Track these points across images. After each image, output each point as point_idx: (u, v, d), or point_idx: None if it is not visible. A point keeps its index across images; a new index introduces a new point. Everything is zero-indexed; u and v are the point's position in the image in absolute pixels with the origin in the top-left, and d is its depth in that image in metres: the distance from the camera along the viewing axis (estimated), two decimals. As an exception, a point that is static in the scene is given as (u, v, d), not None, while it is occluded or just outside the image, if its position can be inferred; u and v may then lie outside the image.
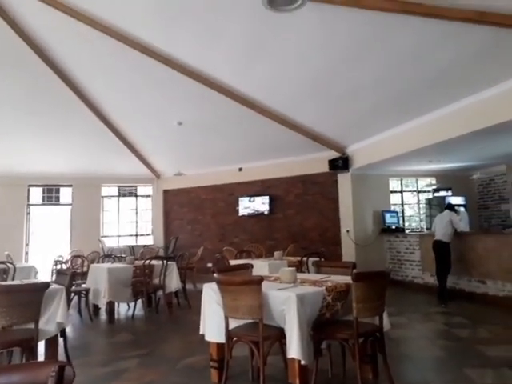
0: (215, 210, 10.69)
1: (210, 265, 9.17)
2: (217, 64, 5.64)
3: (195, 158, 9.98)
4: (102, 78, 6.48)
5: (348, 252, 8.59)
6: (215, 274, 3.02)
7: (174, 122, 7.73)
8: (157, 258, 6.52)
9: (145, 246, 10.86)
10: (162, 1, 4.33)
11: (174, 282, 6.24)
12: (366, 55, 4.90)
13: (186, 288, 6.78)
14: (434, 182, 9.94)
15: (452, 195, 9.40)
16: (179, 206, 11.35)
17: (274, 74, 5.72)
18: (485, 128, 5.50)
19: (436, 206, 9.26)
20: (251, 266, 3.88)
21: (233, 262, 5.98)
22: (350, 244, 8.59)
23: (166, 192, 11.60)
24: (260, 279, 2.77)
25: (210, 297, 3.21)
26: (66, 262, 7.83)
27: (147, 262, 5.93)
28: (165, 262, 6.14)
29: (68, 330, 4.43)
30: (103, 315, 6.01)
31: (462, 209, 8.95)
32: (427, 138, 6.56)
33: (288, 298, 2.73)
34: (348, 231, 8.66)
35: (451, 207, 7.03)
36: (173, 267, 6.31)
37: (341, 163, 8.58)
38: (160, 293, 6.20)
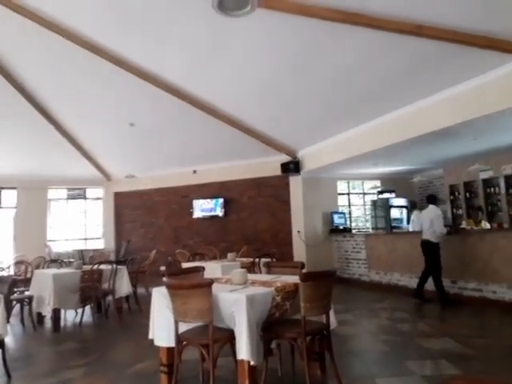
0: (169, 212, 10.55)
1: (162, 268, 9.02)
2: (169, 65, 5.60)
3: (148, 160, 9.80)
4: (48, 77, 6.21)
5: (299, 252, 8.82)
6: (164, 278, 3.00)
7: (126, 123, 7.56)
8: (106, 262, 6.34)
9: (95, 249, 10.48)
10: (111, 0, 4.24)
11: (124, 287, 6.10)
12: (315, 62, 5.08)
13: (137, 292, 6.65)
14: (378, 184, 10.45)
15: (395, 197, 9.91)
16: (131, 209, 11.08)
17: (226, 77, 5.77)
18: (423, 134, 5.91)
19: (380, 207, 9.74)
20: (203, 268, 3.88)
21: (185, 265, 5.95)
22: (301, 244, 8.83)
23: (117, 194, 11.28)
24: (210, 282, 2.80)
25: (160, 301, 3.19)
26: (7, 269, 7.40)
27: (96, 266, 5.75)
28: (115, 266, 5.99)
29: (8, 340, 4.21)
30: (48, 323, 5.75)
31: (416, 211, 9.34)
32: (371, 143, 6.92)
33: (238, 299, 2.77)
34: (299, 232, 8.88)
35: (431, 199, 6.46)
36: (123, 271, 6.17)
37: (292, 167, 8.81)
38: (110, 298, 6.04)
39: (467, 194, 9.09)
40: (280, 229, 9.27)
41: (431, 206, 6.36)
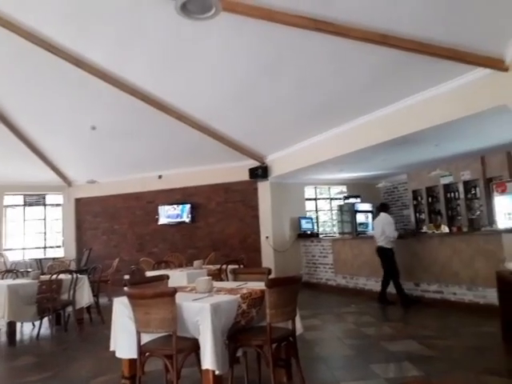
0: (133, 219, 10.27)
1: (126, 277, 8.75)
2: (133, 68, 5.47)
3: (110, 165, 9.50)
4: (2, 77, 5.90)
5: (268, 257, 8.80)
6: (125, 288, 2.89)
7: (87, 127, 7.31)
8: (66, 271, 6.07)
9: (54, 258, 10.04)
10: (73, 1, 4.09)
11: (85, 297, 5.86)
12: (283, 68, 5.10)
13: (99, 302, 6.40)
14: (344, 189, 10.65)
15: (361, 202, 10.12)
16: (93, 216, 10.70)
17: (193, 81, 5.69)
18: (387, 141, 6.07)
19: (347, 211, 9.92)
20: (167, 277, 3.77)
21: (150, 274, 5.80)
22: (269, 250, 8.82)
23: (78, 201, 10.88)
24: (173, 291, 2.71)
25: (121, 311, 3.07)
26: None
27: (55, 276, 5.49)
28: (75, 275, 5.74)
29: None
30: (3, 337, 5.42)
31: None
32: (337, 149, 7.04)
33: (202, 308, 2.70)
34: (267, 237, 8.88)
35: (383, 207, 6.80)
36: (84, 281, 5.93)
37: (260, 172, 8.81)
38: (70, 309, 5.77)
39: (429, 199, 9.39)
40: (248, 234, 9.23)
41: (382, 214, 6.70)
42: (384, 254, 6.47)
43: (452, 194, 8.89)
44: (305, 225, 9.31)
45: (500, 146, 6.94)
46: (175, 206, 9.74)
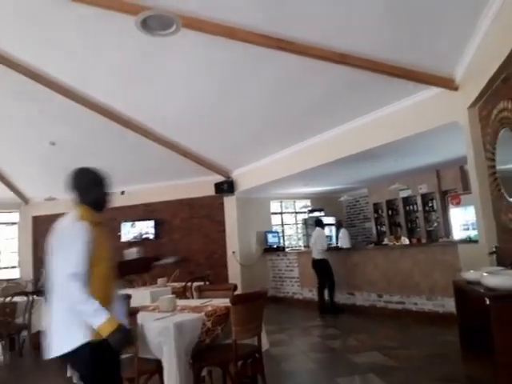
0: (94, 236, 9.90)
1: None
2: (94, 83, 5.36)
3: (71, 181, 9.17)
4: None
5: (234, 273, 8.74)
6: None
7: (46, 142, 7.07)
8: (21, 293, 5.76)
9: (9, 280, 9.49)
10: (29, 13, 3.98)
11: (42, 320, 5.56)
12: (247, 84, 5.16)
13: (57, 325, 6.08)
14: (309, 203, 10.82)
15: (324, 215, 10.30)
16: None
17: (157, 96, 5.64)
18: (348, 156, 6.28)
19: (311, 225, 10.03)
20: (129, 296, 3.66)
21: (112, 293, 5.60)
22: (236, 265, 8.77)
23: (35, 219, 10.39)
24: (135, 311, 2.64)
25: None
26: None
27: (8, 299, 5.20)
28: (31, 297, 5.45)
29: None
30: None
31: (343, 229, 9.73)
32: (301, 164, 7.18)
33: (165, 328, 2.64)
34: (234, 252, 8.83)
35: (319, 223, 7.49)
36: (41, 303, 5.64)
37: (226, 187, 8.80)
38: (25, 333, 5.46)
39: (389, 212, 9.71)
40: (215, 250, 9.14)
41: (317, 229, 7.35)
42: (318, 265, 7.02)
43: (411, 207, 9.23)
44: (271, 239, 9.36)
45: (453, 160, 7.30)
46: (138, 222, 9.52)
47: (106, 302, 1.93)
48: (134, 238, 9.53)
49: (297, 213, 10.99)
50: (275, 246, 9.29)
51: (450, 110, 4.70)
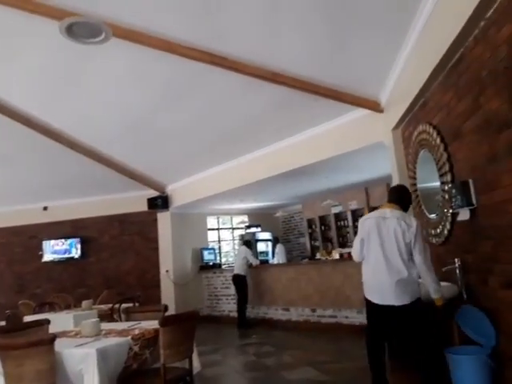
0: (11, 256, 9.01)
1: (2, 323, 7.57)
2: (12, 89, 4.94)
3: (-17, 195, 8.34)
4: None
5: (167, 293, 8.43)
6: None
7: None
8: None
9: None
10: None
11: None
12: (183, 98, 5.06)
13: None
14: (246, 219, 10.84)
15: (261, 231, 10.37)
16: (-40, 254, 9.18)
17: (85, 107, 5.32)
18: (282, 173, 6.44)
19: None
20: (47, 321, 3.34)
21: (30, 318, 5.08)
22: (170, 284, 8.46)
23: None
24: (51, 338, 2.39)
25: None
26: None
27: None
28: None
29: None
30: None
31: (279, 245, 9.84)
32: (237, 180, 7.22)
33: (86, 355, 2.42)
34: (167, 271, 8.52)
35: (246, 243, 7.91)
36: None
37: (160, 202, 8.52)
38: None
39: (322, 227, 10.01)
40: (147, 269, 8.73)
41: (242, 247, 7.78)
42: (239, 281, 7.35)
43: (342, 222, 9.60)
44: (207, 256, 9.18)
45: (381, 178, 7.74)
46: (63, 240, 8.84)
47: None
48: (57, 258, 8.82)
49: (234, 229, 10.94)
50: (211, 263, 9.12)
51: (376, 131, 4.99)
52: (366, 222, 3.12)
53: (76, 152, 6.46)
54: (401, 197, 3.22)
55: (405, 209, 3.17)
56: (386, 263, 2.91)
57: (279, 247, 9.49)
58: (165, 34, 3.77)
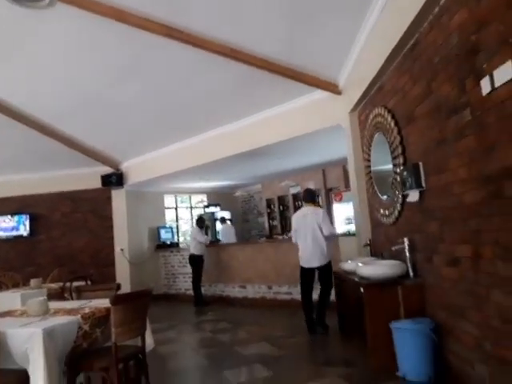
0: (-48, 233, 8.48)
1: None
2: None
3: None
4: None
5: (122, 272, 8.28)
6: None
7: None
8: None
9: None
10: None
11: None
12: (140, 71, 4.85)
13: None
14: (205, 198, 10.77)
15: (220, 210, 10.35)
16: None
17: (33, 77, 4.97)
18: (238, 153, 6.43)
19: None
20: (-9, 301, 3.19)
21: (-27, 298, 4.83)
22: (125, 263, 8.31)
23: None
24: (-7, 317, 2.28)
25: None
26: None
27: None
28: None
29: None
30: None
31: (229, 222, 9.92)
32: (195, 159, 7.10)
33: (31, 334, 2.34)
34: (122, 250, 8.35)
35: (198, 222, 7.83)
36: None
37: (115, 179, 8.27)
38: None
39: (281, 207, 10.14)
40: (101, 248, 8.50)
41: (194, 227, 7.86)
42: (194, 260, 7.40)
43: (299, 203, 9.75)
44: (164, 235, 9.07)
45: (338, 160, 7.89)
46: (10, 216, 8.39)
47: None
48: (4, 235, 8.39)
49: (192, 208, 10.84)
50: (169, 242, 9.03)
51: (334, 113, 5.05)
52: (296, 218, 4.97)
53: (23, 125, 6.07)
54: (313, 197, 5.11)
55: (315, 203, 5.14)
56: (312, 242, 4.69)
57: (224, 227, 9.51)
58: (116, 2, 3.57)
